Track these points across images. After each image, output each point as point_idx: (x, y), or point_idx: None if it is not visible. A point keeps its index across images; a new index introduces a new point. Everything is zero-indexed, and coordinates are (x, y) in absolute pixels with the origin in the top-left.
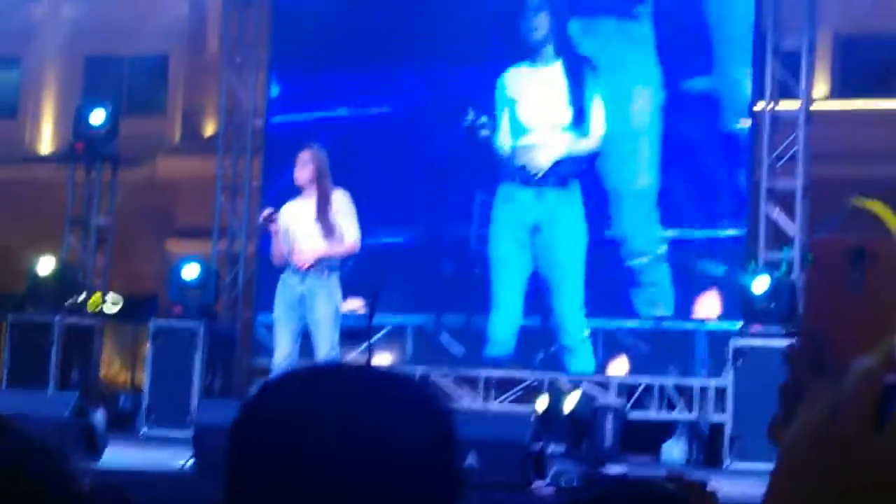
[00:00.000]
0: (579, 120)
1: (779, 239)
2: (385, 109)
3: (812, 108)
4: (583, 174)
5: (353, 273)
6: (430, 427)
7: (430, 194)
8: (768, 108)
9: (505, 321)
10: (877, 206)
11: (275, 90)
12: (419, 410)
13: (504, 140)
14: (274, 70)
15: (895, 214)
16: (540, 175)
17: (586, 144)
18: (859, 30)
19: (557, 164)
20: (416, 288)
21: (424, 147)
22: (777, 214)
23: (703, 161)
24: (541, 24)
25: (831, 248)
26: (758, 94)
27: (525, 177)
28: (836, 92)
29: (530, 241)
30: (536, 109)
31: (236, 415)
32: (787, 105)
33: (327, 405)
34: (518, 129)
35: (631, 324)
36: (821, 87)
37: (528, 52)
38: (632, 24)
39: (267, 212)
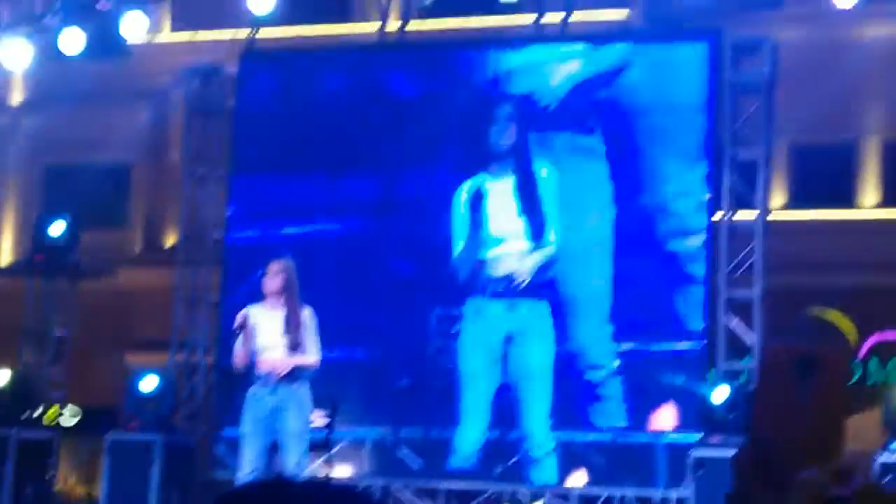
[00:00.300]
0: (538, 233)
1: (738, 348)
2: (338, 227)
3: (769, 217)
4: (546, 287)
5: (311, 387)
6: None
7: (387, 309)
8: (726, 218)
9: (471, 434)
10: (834, 316)
11: (232, 207)
12: None
13: (466, 251)
14: (233, 184)
15: (853, 324)
16: (511, 286)
17: (547, 256)
18: (815, 140)
19: (526, 275)
20: (374, 402)
21: (381, 262)
22: (735, 324)
23: (657, 275)
24: (509, 136)
25: (780, 356)
26: (716, 204)
27: (495, 289)
28: (793, 202)
29: (502, 354)
30: (500, 222)
31: None
32: (745, 215)
33: None
34: (483, 242)
35: (590, 436)
36: (778, 197)
37: (489, 163)
38: (586, 138)
39: (241, 318)
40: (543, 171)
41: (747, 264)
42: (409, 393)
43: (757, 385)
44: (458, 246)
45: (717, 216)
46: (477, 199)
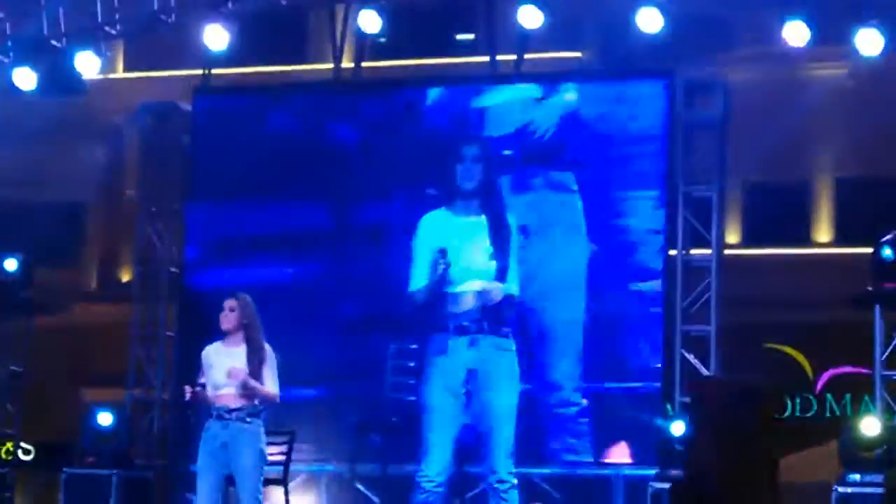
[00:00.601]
0: (503, 274)
1: None
2: (291, 266)
3: (725, 252)
4: (515, 323)
5: (267, 423)
6: None
7: (341, 347)
8: (681, 254)
9: (436, 469)
10: (790, 351)
11: (188, 246)
12: None
13: (428, 285)
14: (188, 220)
15: (807, 359)
16: (474, 323)
17: (512, 294)
18: (769, 178)
19: (491, 311)
20: (329, 439)
21: (334, 300)
22: (692, 359)
23: (623, 313)
24: (476, 176)
25: (717, 388)
26: (671, 241)
27: (458, 326)
28: (748, 239)
29: (464, 390)
30: (464, 259)
31: None
32: (700, 252)
33: None
34: (446, 277)
35: (547, 469)
36: (732, 234)
37: (453, 201)
38: (559, 174)
39: (190, 392)
40: (510, 217)
41: (703, 300)
42: (364, 430)
43: (694, 415)
44: (417, 279)
45: (672, 252)
46: (438, 235)
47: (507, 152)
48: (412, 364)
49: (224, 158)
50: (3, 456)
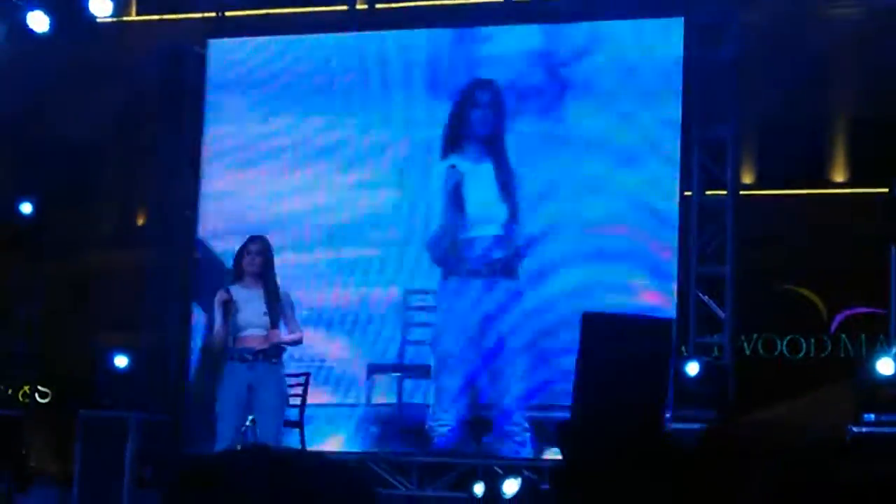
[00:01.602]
0: (513, 217)
1: (709, 324)
2: (307, 206)
3: (740, 193)
4: (525, 264)
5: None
6: None
7: (356, 290)
8: (696, 196)
9: (451, 412)
10: (805, 292)
11: (204, 195)
12: (345, 496)
13: (444, 229)
14: (204, 165)
15: (821, 298)
16: (487, 267)
17: (520, 237)
18: (784, 118)
19: (502, 256)
20: (345, 382)
21: (349, 241)
22: (707, 301)
23: (628, 260)
24: (488, 123)
25: (600, 323)
26: (686, 182)
27: (472, 269)
28: (763, 179)
29: (479, 332)
30: (477, 205)
31: (161, 499)
32: (716, 193)
33: (251, 490)
34: (461, 223)
35: (559, 413)
36: (747, 175)
37: (466, 147)
38: (558, 125)
39: (222, 297)
40: (515, 160)
41: (718, 241)
42: (378, 373)
43: (581, 352)
44: (435, 224)
45: (688, 194)
46: (455, 182)
47: (520, 96)
48: (428, 307)
49: (239, 100)
50: (20, 399)
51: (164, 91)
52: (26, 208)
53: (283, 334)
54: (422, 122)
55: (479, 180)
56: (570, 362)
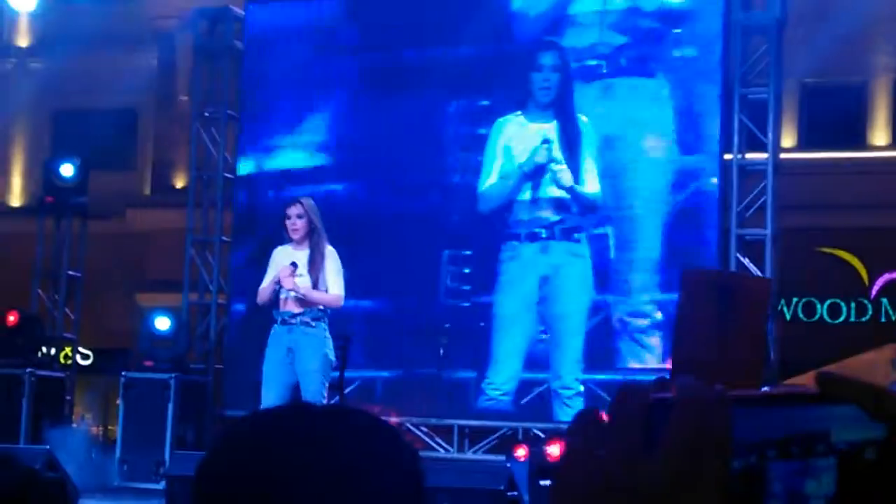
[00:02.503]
0: (576, 180)
1: None
2: (343, 186)
3: (781, 156)
4: (591, 230)
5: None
6: (398, 470)
7: (398, 253)
8: (736, 158)
9: (504, 376)
10: (846, 255)
11: (244, 156)
12: (388, 453)
13: (500, 188)
14: (243, 126)
15: (862, 262)
16: (546, 229)
17: (586, 199)
18: (825, 81)
19: (562, 218)
20: (385, 347)
21: (389, 203)
22: (748, 263)
23: (685, 227)
24: (553, 84)
25: (700, 280)
26: (727, 144)
27: (530, 232)
28: (803, 142)
29: (538, 296)
30: (537, 166)
31: (202, 458)
32: (756, 156)
33: (293, 447)
34: (520, 183)
35: (607, 376)
36: (788, 138)
37: (529, 106)
38: (647, 80)
39: (275, 256)
40: (584, 119)
41: (758, 204)
42: (419, 336)
43: (678, 307)
44: (487, 177)
45: (728, 156)
46: (514, 139)
47: (590, 62)
48: (467, 270)
49: (277, 61)
50: (62, 361)
51: (203, 52)
52: (67, 170)
53: (320, 294)
54: (476, 79)
55: (540, 140)
56: (628, 327)
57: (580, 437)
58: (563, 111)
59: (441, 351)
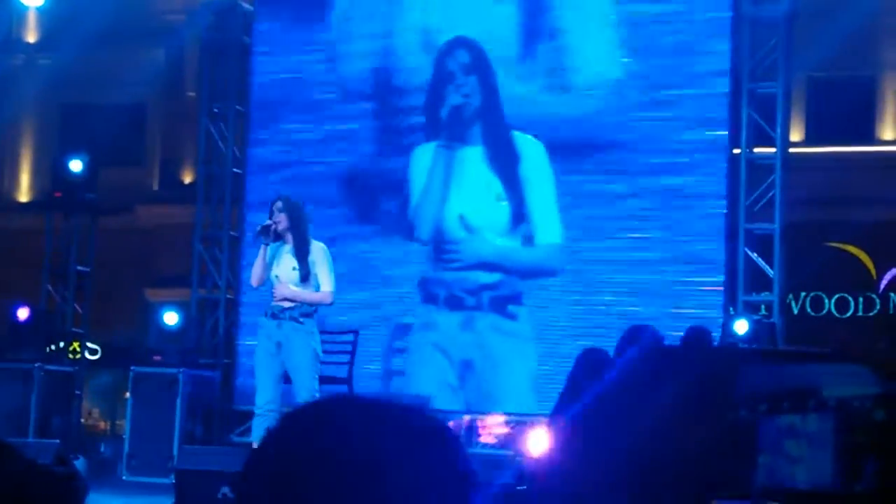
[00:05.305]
0: (517, 219)
1: (757, 282)
2: (349, 170)
3: (789, 150)
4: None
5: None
6: (444, 460)
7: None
8: (745, 152)
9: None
10: (854, 250)
11: (252, 152)
12: (435, 444)
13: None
14: (251, 121)
15: (870, 257)
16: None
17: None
18: (834, 74)
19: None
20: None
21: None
22: (756, 258)
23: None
24: (469, 93)
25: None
26: (735, 139)
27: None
28: (811, 137)
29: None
30: (464, 207)
31: (253, 450)
32: (764, 150)
33: (341, 438)
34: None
35: None
36: (796, 132)
37: (441, 132)
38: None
39: (266, 224)
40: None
41: (767, 198)
42: None
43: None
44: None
45: (737, 151)
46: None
47: None
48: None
49: (284, 56)
50: (71, 355)
51: (210, 47)
52: (76, 166)
53: (309, 292)
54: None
55: (466, 172)
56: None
57: (584, 368)
58: (490, 130)
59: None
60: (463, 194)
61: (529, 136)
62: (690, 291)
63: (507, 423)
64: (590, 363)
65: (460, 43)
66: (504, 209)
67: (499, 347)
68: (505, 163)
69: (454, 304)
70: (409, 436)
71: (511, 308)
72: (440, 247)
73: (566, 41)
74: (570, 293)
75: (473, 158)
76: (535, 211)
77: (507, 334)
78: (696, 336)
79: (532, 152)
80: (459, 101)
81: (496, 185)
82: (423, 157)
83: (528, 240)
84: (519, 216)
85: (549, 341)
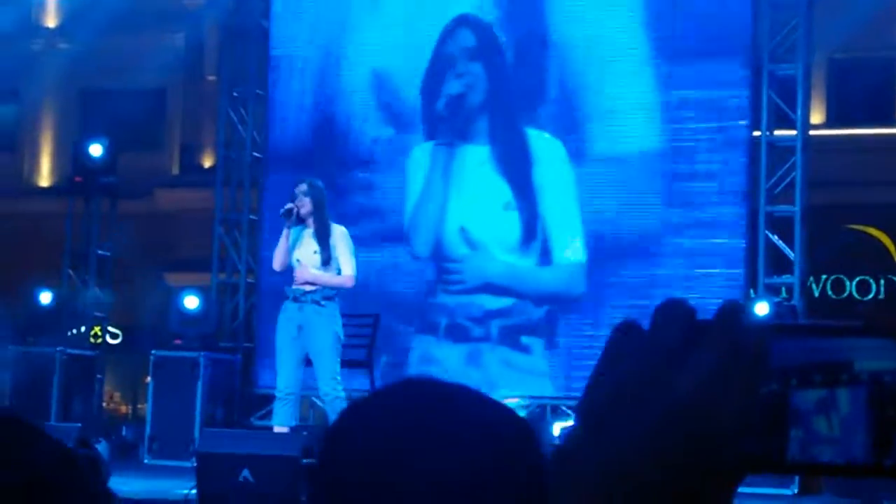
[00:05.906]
0: (530, 233)
1: (778, 264)
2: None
3: (809, 133)
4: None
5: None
6: (520, 448)
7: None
8: (765, 135)
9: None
10: (875, 232)
11: (272, 135)
12: (511, 431)
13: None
14: (271, 105)
15: (891, 239)
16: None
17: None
18: (854, 56)
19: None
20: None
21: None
22: (776, 240)
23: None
24: (474, 85)
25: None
26: (755, 121)
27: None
28: (833, 118)
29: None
30: (466, 215)
31: (324, 437)
32: (785, 132)
33: (418, 423)
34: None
35: None
36: (817, 115)
37: (439, 128)
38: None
39: (289, 206)
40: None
41: (787, 181)
42: None
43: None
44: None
45: (757, 133)
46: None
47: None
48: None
49: (304, 39)
50: (92, 339)
51: (229, 31)
52: (96, 150)
53: (330, 276)
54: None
55: (469, 177)
56: None
57: (616, 344)
58: (497, 127)
59: None
60: (464, 202)
61: (547, 134)
62: (710, 276)
63: None
64: (627, 337)
65: (465, 21)
66: (513, 220)
67: (511, 386)
68: (515, 165)
69: (457, 334)
70: (489, 423)
71: (524, 340)
72: (440, 265)
73: None
74: (589, 322)
75: (477, 159)
76: (553, 223)
77: (520, 370)
78: (730, 310)
79: (549, 153)
80: (458, 91)
81: (504, 192)
82: (420, 159)
83: (545, 258)
84: (532, 229)
85: (569, 378)
